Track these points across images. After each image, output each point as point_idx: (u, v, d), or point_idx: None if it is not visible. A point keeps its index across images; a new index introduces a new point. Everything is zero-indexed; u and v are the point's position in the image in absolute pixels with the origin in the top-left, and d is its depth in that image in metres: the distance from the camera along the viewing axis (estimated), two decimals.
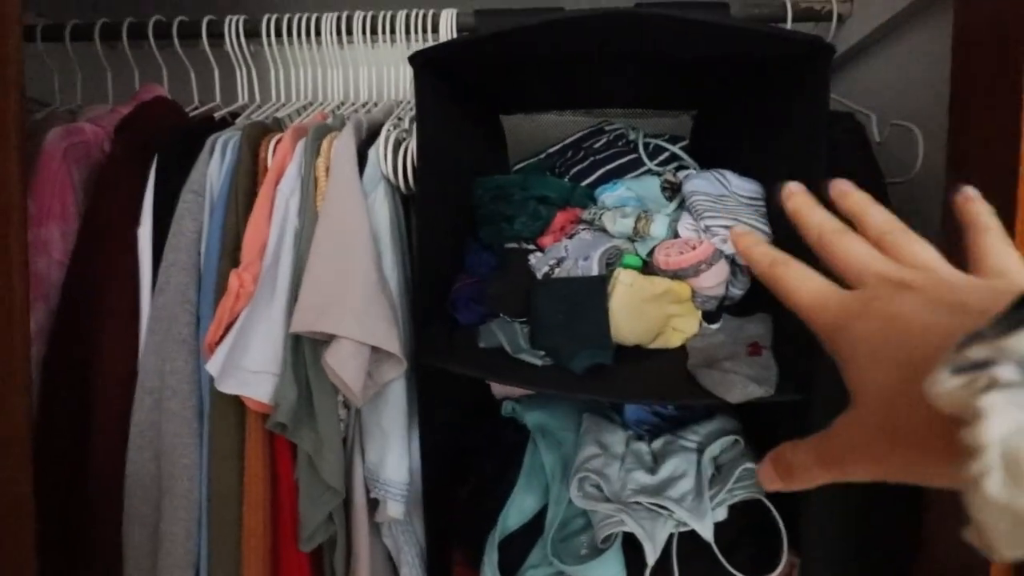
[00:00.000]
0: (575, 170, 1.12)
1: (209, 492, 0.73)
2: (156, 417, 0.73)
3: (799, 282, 0.27)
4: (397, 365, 0.74)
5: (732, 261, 0.85)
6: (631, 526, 0.81)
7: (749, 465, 0.82)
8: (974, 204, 0.29)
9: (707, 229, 0.85)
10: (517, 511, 0.86)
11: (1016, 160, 0.60)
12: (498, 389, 1.07)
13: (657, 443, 0.93)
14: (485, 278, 0.92)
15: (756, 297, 0.87)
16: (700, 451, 0.88)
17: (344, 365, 0.66)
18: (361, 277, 0.68)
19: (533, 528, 0.86)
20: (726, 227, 0.83)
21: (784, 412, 0.85)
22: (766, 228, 0.82)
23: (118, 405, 0.73)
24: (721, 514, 0.81)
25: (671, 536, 0.80)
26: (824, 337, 0.25)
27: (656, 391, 0.77)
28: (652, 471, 0.87)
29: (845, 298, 0.25)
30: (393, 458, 0.75)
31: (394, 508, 0.74)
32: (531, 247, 0.98)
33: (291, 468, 0.75)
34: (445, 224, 0.89)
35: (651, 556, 0.78)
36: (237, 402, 0.73)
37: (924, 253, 0.26)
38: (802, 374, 0.71)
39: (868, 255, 0.26)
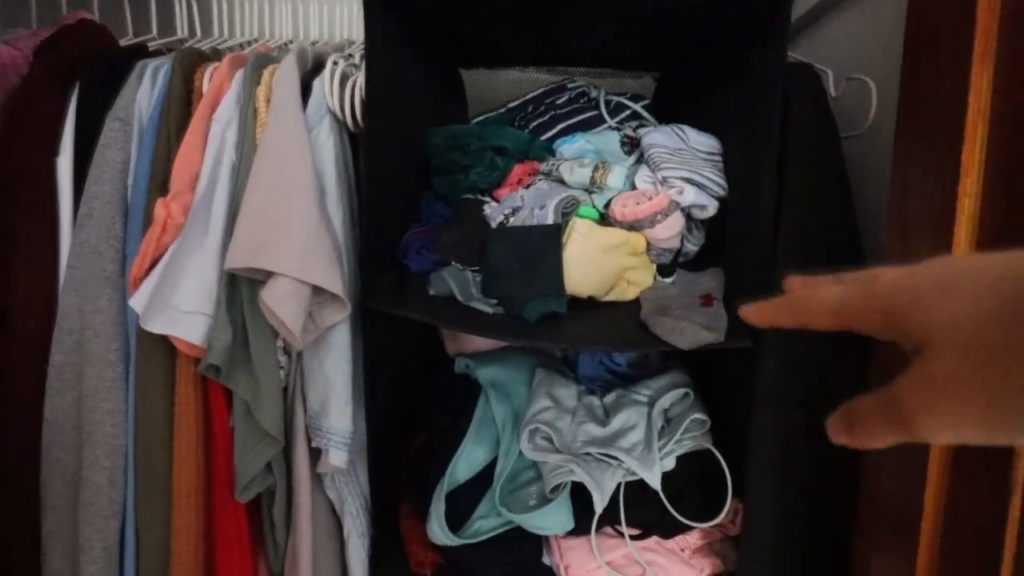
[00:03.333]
0: (535, 124, 1.09)
1: (135, 440, 0.68)
2: (77, 359, 0.68)
3: (822, 295, 0.26)
4: (341, 308, 0.70)
5: (688, 215, 0.84)
6: (580, 475, 0.80)
7: (698, 416, 0.82)
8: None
9: (664, 181, 0.84)
10: (467, 463, 0.84)
11: (963, 113, 0.60)
12: (451, 346, 1.05)
13: (609, 397, 0.92)
14: (438, 227, 0.89)
15: (710, 253, 0.87)
16: (651, 404, 0.88)
17: (282, 304, 0.63)
18: (302, 212, 0.64)
19: (482, 480, 0.84)
20: (683, 179, 0.82)
21: (734, 366, 0.85)
22: (722, 182, 0.81)
23: (35, 346, 0.68)
24: (669, 464, 0.81)
25: (619, 485, 0.79)
26: (885, 297, 0.23)
27: (608, 339, 0.75)
28: (603, 424, 0.87)
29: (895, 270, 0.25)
30: (336, 405, 0.72)
31: (336, 456, 0.72)
32: (486, 199, 0.96)
33: (226, 415, 0.71)
34: (396, 167, 0.85)
35: (599, 504, 0.78)
36: (166, 344, 0.68)
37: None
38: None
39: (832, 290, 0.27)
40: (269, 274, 0.63)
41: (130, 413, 0.68)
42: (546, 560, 0.85)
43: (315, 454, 0.77)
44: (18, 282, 0.68)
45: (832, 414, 0.25)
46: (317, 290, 0.67)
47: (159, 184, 0.69)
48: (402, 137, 0.87)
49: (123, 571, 0.69)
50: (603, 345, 0.78)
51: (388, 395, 0.83)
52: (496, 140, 0.97)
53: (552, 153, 0.98)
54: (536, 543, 0.81)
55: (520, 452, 0.85)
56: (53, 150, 0.70)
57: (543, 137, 1.03)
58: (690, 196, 0.80)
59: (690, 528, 0.77)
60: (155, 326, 0.64)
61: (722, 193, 0.82)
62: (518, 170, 0.97)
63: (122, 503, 0.68)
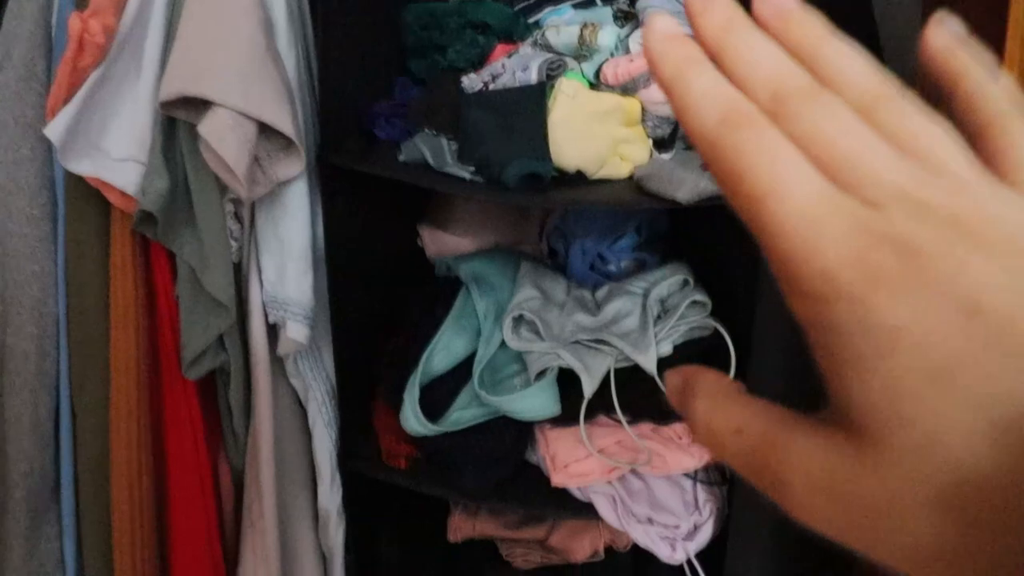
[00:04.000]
0: (520, 6, 1.00)
1: (68, 305, 0.61)
2: None
3: (782, 176, 0.12)
4: (295, 160, 0.62)
5: None
6: (568, 360, 0.73)
7: (698, 298, 0.75)
8: (964, 60, 0.14)
9: None
10: (444, 353, 0.77)
11: None
12: (431, 247, 0.97)
13: (601, 291, 0.84)
14: (410, 99, 0.81)
15: None
16: (646, 295, 0.80)
17: (223, 141, 0.55)
18: (245, 36, 0.56)
19: (461, 373, 0.77)
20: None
21: (737, 261, 0.78)
22: None
23: None
24: (666, 349, 0.74)
25: (611, 372, 0.73)
26: (805, 301, 0.12)
27: (599, 199, 0.68)
28: (594, 314, 0.80)
29: (861, 236, 0.12)
30: (293, 274, 0.65)
31: (295, 330, 0.64)
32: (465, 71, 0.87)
33: (171, 284, 0.64)
34: (360, 32, 0.76)
35: (588, 388, 0.71)
36: (99, 199, 0.60)
37: (947, 149, 0.13)
38: None
39: (872, 143, 0.13)
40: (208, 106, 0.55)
41: (60, 276, 0.61)
42: (531, 458, 0.78)
43: (275, 337, 0.69)
44: None
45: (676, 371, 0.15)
46: (266, 134, 0.59)
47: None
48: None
49: (59, 451, 0.62)
50: (593, 204, 0.70)
51: (354, 274, 0.75)
52: (476, 15, 0.88)
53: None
54: (519, 434, 0.75)
55: (503, 342, 0.78)
56: None
57: (529, 20, 0.95)
58: None
59: None
60: (80, 167, 0.56)
61: None
62: (500, 50, 0.88)
63: (54, 375, 0.61)
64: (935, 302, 0.11)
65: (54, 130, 0.54)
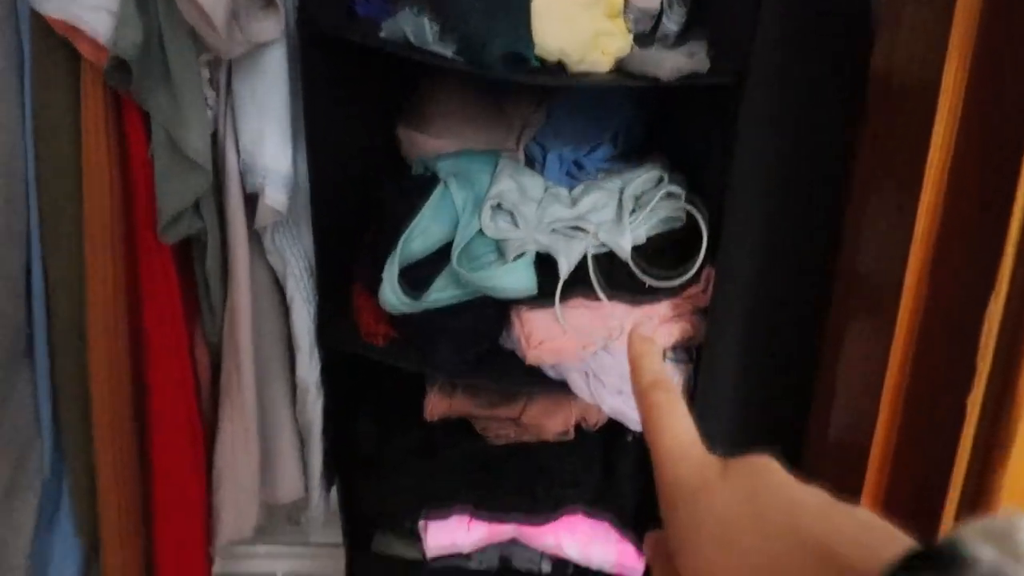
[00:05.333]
0: None
1: (36, 161, 0.60)
2: None
3: (671, 419, 0.22)
4: (273, 19, 0.61)
5: None
6: (543, 243, 0.75)
7: (672, 190, 0.77)
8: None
9: None
10: (422, 237, 0.78)
11: None
12: (408, 148, 0.96)
13: (577, 189, 0.86)
14: None
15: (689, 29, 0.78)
16: (621, 192, 0.82)
17: None
18: None
19: (439, 259, 0.78)
20: None
21: (709, 149, 0.80)
22: None
23: None
24: (641, 236, 0.76)
25: (586, 258, 0.75)
26: (668, 497, 0.21)
27: (581, 80, 0.69)
28: (570, 207, 0.81)
29: (709, 460, 0.21)
30: (272, 141, 0.64)
31: (273, 196, 0.64)
32: None
33: (144, 144, 0.62)
34: None
35: (564, 269, 0.73)
36: (66, 50, 0.58)
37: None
38: (740, 55, 0.65)
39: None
40: None
41: (27, 127, 0.59)
42: (506, 343, 0.80)
43: (252, 211, 0.69)
44: None
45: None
46: None
47: None
48: None
49: (31, 306, 0.61)
50: (575, 82, 0.71)
51: (332, 151, 0.75)
52: None
53: None
54: (496, 314, 0.77)
55: (480, 231, 0.79)
56: None
57: None
58: None
59: (658, 294, 0.74)
60: (47, 6, 0.54)
61: None
62: None
63: (23, 230, 0.60)
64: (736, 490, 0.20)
65: None
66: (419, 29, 0.74)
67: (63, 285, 0.61)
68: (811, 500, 0.18)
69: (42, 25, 0.57)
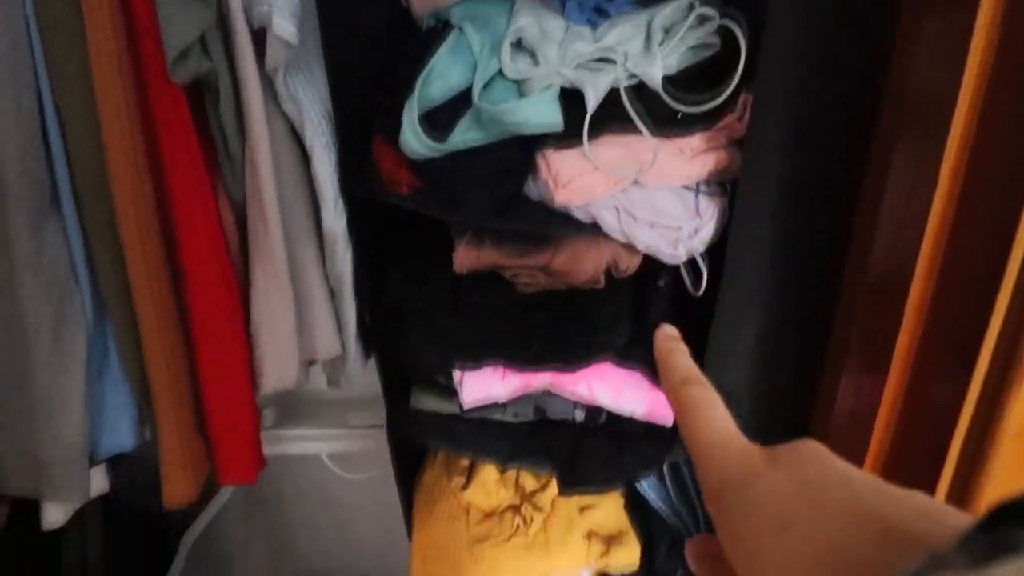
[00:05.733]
0: None
1: (34, 6, 0.57)
2: None
3: (707, 412, 0.22)
4: None
5: None
6: (568, 76, 0.71)
7: (706, 11, 0.71)
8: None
9: None
10: (440, 80, 0.74)
11: None
12: (418, 5, 0.90)
13: (600, 27, 0.80)
14: None
15: None
16: (649, 24, 0.76)
17: None
18: None
19: (458, 104, 0.75)
20: None
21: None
22: None
23: None
24: (672, 66, 0.71)
25: (616, 91, 0.71)
26: (713, 492, 0.20)
27: None
28: (594, 43, 0.76)
29: (752, 449, 0.21)
30: None
31: (281, 26, 0.61)
32: None
33: None
34: None
35: (592, 102, 0.70)
36: None
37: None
38: None
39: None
40: None
41: None
42: (531, 193, 0.78)
43: (261, 53, 0.66)
44: None
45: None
46: None
47: None
48: None
49: (51, 155, 0.60)
50: None
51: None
52: None
53: None
54: (522, 155, 0.74)
55: (500, 73, 0.75)
56: None
57: None
58: None
59: (692, 126, 0.70)
60: None
61: None
62: None
63: (31, 71, 0.58)
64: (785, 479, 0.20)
65: None
66: None
67: (79, 128, 0.60)
68: (868, 479, 0.18)
69: None
